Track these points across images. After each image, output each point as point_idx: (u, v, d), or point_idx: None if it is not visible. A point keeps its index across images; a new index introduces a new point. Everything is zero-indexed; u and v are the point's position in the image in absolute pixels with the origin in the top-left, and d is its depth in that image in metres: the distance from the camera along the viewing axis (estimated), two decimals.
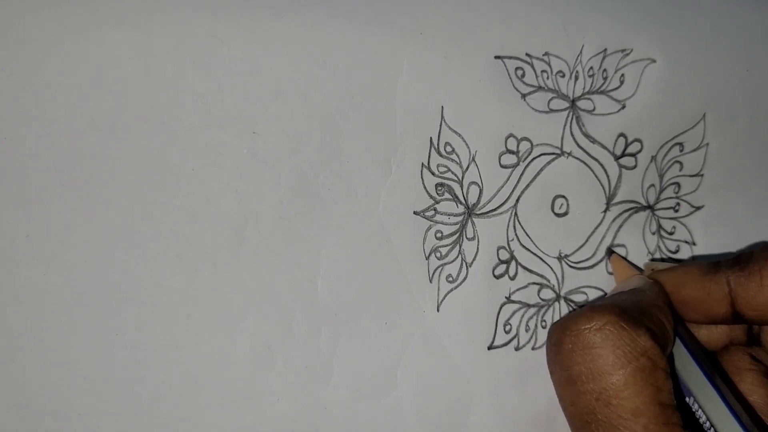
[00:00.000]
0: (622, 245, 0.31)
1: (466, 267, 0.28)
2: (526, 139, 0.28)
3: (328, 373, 0.26)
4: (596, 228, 0.30)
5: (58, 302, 0.23)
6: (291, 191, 0.25)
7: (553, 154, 0.29)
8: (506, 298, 0.28)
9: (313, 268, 0.26)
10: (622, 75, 0.30)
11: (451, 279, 0.27)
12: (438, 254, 0.27)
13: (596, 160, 0.30)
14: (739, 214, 0.33)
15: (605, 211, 0.30)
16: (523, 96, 0.28)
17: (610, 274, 0.31)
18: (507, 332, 0.28)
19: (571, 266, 0.30)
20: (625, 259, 0.31)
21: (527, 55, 0.28)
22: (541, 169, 0.29)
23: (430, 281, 0.27)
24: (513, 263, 0.29)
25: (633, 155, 0.30)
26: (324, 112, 0.25)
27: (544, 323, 0.29)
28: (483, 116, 0.27)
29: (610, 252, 0.30)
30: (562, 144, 0.29)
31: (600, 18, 0.29)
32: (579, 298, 0.30)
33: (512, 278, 0.29)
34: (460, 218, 0.28)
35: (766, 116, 0.33)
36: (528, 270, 0.29)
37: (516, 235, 0.29)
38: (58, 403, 0.23)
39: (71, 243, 0.23)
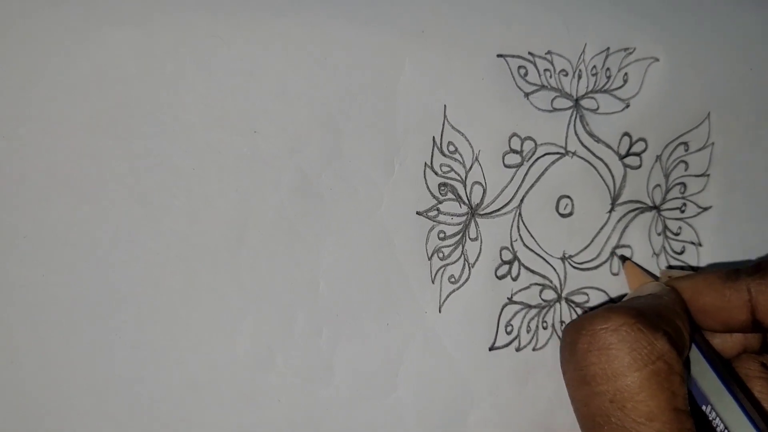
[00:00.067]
0: (628, 246, 0.30)
1: (469, 268, 0.28)
2: (530, 138, 0.28)
3: (328, 374, 0.26)
4: (601, 228, 0.30)
5: (58, 302, 0.23)
6: (292, 191, 0.25)
7: (558, 153, 0.29)
8: (508, 298, 0.28)
9: (314, 268, 0.25)
10: (626, 74, 0.29)
11: (453, 280, 0.27)
12: (440, 255, 0.27)
13: (601, 159, 0.29)
14: (746, 215, 0.32)
15: (610, 212, 0.30)
16: (527, 95, 0.28)
17: (614, 275, 0.30)
18: (508, 333, 0.28)
19: (574, 267, 0.30)
20: (639, 266, 0.30)
21: (530, 53, 0.28)
22: (546, 169, 0.29)
23: (433, 282, 0.27)
24: (516, 264, 0.28)
25: (638, 155, 0.30)
26: (324, 111, 0.25)
27: (545, 324, 0.29)
28: (486, 115, 0.27)
29: (623, 259, 0.30)
30: (566, 143, 0.29)
31: (602, 16, 0.29)
32: (580, 298, 0.30)
33: (514, 279, 0.28)
34: (463, 218, 0.27)
35: None
36: (530, 271, 0.29)
37: (520, 235, 0.28)
38: (58, 403, 0.23)
39: (71, 243, 0.23)
